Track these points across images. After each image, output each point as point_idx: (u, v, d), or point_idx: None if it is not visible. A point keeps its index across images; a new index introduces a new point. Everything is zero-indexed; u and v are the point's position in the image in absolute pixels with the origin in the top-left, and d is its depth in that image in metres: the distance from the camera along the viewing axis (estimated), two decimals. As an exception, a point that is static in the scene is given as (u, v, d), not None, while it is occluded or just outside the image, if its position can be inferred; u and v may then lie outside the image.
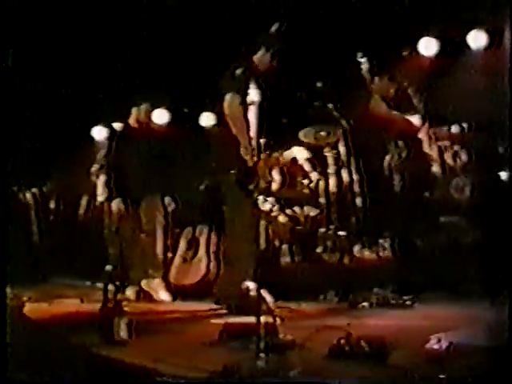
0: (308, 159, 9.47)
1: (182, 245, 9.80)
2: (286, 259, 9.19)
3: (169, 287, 9.53)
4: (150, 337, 6.81)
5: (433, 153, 9.32)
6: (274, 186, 9.42)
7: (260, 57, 8.64)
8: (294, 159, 9.50)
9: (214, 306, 8.34)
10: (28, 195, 11.01)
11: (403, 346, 5.93)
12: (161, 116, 10.19)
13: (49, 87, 9.52)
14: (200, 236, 9.72)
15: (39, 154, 9.86)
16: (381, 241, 9.02)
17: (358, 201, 9.40)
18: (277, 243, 9.25)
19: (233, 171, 8.91)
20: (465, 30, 8.87)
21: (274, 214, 9.26)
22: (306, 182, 9.46)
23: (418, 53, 9.15)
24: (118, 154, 10.30)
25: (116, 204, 10.17)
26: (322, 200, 9.45)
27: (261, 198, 8.81)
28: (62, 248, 10.52)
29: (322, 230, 9.31)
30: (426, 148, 9.34)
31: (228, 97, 8.72)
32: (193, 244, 9.75)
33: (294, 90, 9.13)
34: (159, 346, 6.42)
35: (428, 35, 9.05)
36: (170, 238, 9.88)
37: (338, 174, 9.49)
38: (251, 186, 8.11)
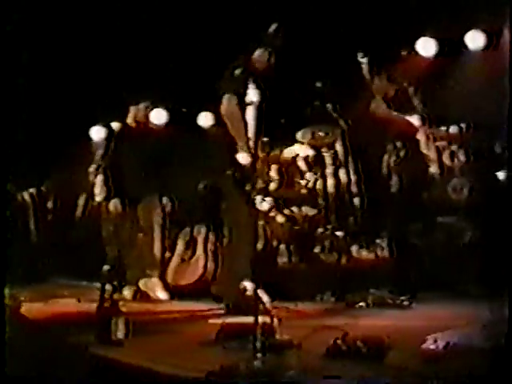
0: (307, 158, 9.47)
1: (180, 245, 9.80)
2: (283, 259, 9.20)
3: (166, 286, 9.54)
4: (146, 337, 6.80)
5: (431, 153, 9.32)
6: (272, 186, 9.42)
7: (258, 56, 8.65)
8: (295, 157, 9.50)
9: (212, 306, 8.34)
10: (26, 195, 11.01)
11: (400, 345, 5.93)
12: (159, 116, 10.18)
13: (47, 87, 9.52)
14: (198, 236, 9.72)
15: (37, 154, 9.85)
16: (378, 241, 9.02)
17: (356, 201, 9.40)
18: (274, 243, 9.26)
19: (228, 171, 8.93)
20: (463, 31, 8.87)
21: (271, 214, 9.27)
22: (303, 182, 9.46)
23: (416, 53, 9.15)
24: (115, 153, 10.30)
25: (113, 204, 10.18)
26: (319, 200, 9.45)
27: (258, 197, 8.82)
28: (60, 248, 10.51)
29: (320, 230, 9.31)
30: (423, 148, 9.34)
31: (225, 98, 8.74)
32: (191, 244, 9.75)
33: (293, 90, 9.13)
34: (156, 346, 6.42)
35: (426, 35, 9.06)
36: (167, 238, 9.88)
37: (335, 175, 9.49)
38: (248, 187, 8.13)
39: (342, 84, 9.20)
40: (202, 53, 8.94)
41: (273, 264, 9.07)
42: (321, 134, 9.49)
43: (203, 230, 9.67)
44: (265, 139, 8.90)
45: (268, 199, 9.26)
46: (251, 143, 8.83)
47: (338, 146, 9.50)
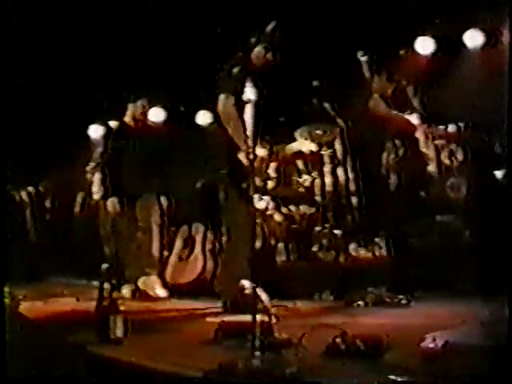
0: (306, 157, 9.47)
1: (178, 243, 9.80)
2: (281, 258, 9.20)
3: (165, 284, 9.54)
4: (145, 335, 6.80)
5: (429, 152, 9.32)
6: (270, 185, 9.42)
7: (256, 54, 8.64)
8: (293, 155, 9.49)
9: (210, 305, 8.33)
10: (24, 194, 10.99)
11: (399, 344, 5.94)
12: (157, 114, 10.17)
13: (45, 86, 9.50)
14: (196, 234, 9.72)
15: (35, 153, 9.83)
16: (376, 240, 9.03)
17: (354, 200, 9.40)
18: (273, 242, 9.26)
19: (223, 170, 8.93)
20: (461, 30, 8.87)
21: (269, 212, 9.27)
22: (301, 180, 9.46)
23: (415, 52, 9.15)
24: (114, 152, 10.29)
25: (111, 203, 10.17)
26: (317, 198, 9.46)
27: (256, 196, 8.81)
28: (58, 247, 10.50)
29: (318, 228, 9.31)
30: (422, 147, 9.35)
31: (222, 97, 8.73)
32: (189, 242, 9.75)
33: (291, 88, 9.12)
34: (155, 345, 6.42)
35: (425, 34, 9.06)
36: (165, 237, 9.88)
37: (333, 173, 9.49)
38: (244, 185, 8.11)
39: (340, 82, 9.20)
40: (201, 51, 8.93)
41: (271, 262, 9.07)
42: (319, 132, 9.49)
43: (201, 228, 9.67)
44: (263, 137, 8.89)
45: (266, 198, 9.26)
46: (249, 142, 8.82)
47: (337, 145, 9.50)
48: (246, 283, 7.70)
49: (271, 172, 9.45)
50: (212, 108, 9.56)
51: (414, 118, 9.30)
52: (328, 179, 9.48)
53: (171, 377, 5.63)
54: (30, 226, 10.98)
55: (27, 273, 9.47)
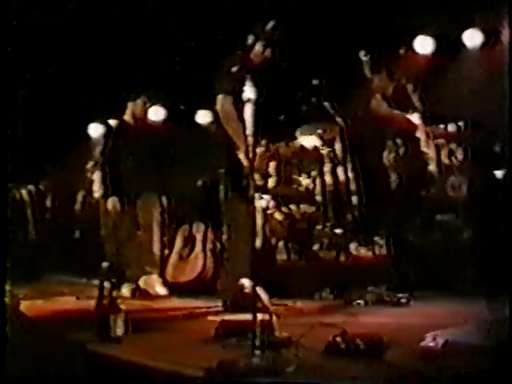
0: (306, 155, 9.48)
1: (179, 242, 9.81)
2: (282, 256, 9.21)
3: (165, 282, 9.55)
4: (145, 334, 6.81)
5: (430, 151, 9.33)
6: (271, 184, 9.43)
7: (255, 53, 8.64)
8: (295, 153, 9.49)
9: (211, 303, 8.34)
10: (24, 192, 11.00)
11: (399, 343, 5.94)
12: (157, 113, 10.18)
13: (45, 84, 9.51)
14: (197, 233, 9.73)
15: (35, 151, 9.84)
16: (377, 238, 9.04)
17: (354, 198, 9.41)
18: (273, 240, 9.26)
19: (221, 169, 8.94)
20: (461, 29, 8.88)
21: (270, 211, 9.27)
22: (302, 179, 9.46)
23: (414, 51, 9.16)
24: (114, 150, 10.30)
25: (111, 202, 10.17)
26: (318, 197, 9.46)
27: (257, 195, 8.82)
28: (58, 245, 10.51)
29: (319, 227, 9.32)
30: (423, 146, 9.35)
31: (220, 97, 8.74)
32: (189, 241, 9.76)
33: (291, 87, 9.12)
34: (155, 343, 6.42)
35: (424, 34, 9.06)
36: (166, 235, 9.89)
37: (334, 172, 9.50)
38: (244, 183, 8.11)
39: (339, 81, 9.21)
40: (200, 50, 8.94)
41: (271, 261, 9.07)
42: (319, 131, 9.49)
43: (202, 227, 9.68)
44: (265, 136, 8.91)
45: (266, 197, 9.26)
46: (249, 140, 8.82)
47: (337, 144, 9.51)
48: (246, 282, 7.71)
49: (271, 171, 9.46)
50: (212, 107, 9.56)
51: (415, 118, 9.30)
52: (328, 178, 9.49)
53: (171, 375, 5.62)
54: (30, 224, 11.00)
55: (27, 271, 9.49)
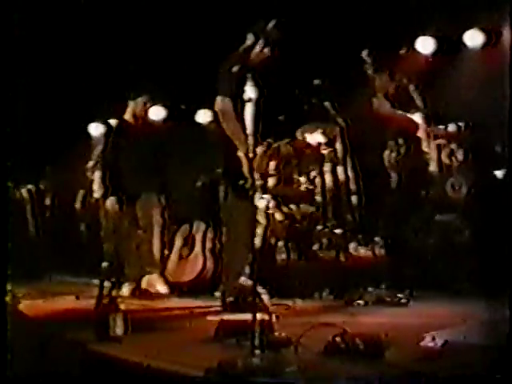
0: (306, 155, 9.48)
1: (178, 242, 9.81)
2: (281, 256, 9.20)
3: (166, 281, 9.56)
4: (145, 333, 6.80)
5: (431, 151, 9.33)
6: (271, 184, 9.43)
7: (256, 52, 8.65)
8: (294, 152, 9.49)
9: (210, 303, 8.34)
10: (24, 192, 11.00)
11: (398, 343, 5.93)
12: (157, 112, 10.18)
13: (45, 84, 9.51)
14: (196, 233, 9.73)
15: (35, 151, 9.84)
16: (376, 239, 9.04)
17: (354, 198, 9.41)
18: (273, 240, 9.26)
19: (219, 169, 8.94)
20: (462, 29, 8.88)
21: (270, 211, 9.27)
22: (302, 179, 9.46)
23: (415, 51, 9.16)
24: (114, 150, 10.29)
25: (110, 202, 10.16)
26: (318, 198, 9.46)
27: (257, 195, 8.82)
28: (58, 245, 10.51)
29: (319, 227, 9.32)
30: (424, 146, 9.35)
31: (218, 99, 8.75)
32: (189, 241, 9.75)
33: (292, 87, 9.13)
34: (154, 343, 6.41)
35: (425, 34, 9.07)
36: (166, 235, 9.89)
37: (334, 172, 9.50)
38: (246, 184, 8.12)
39: (340, 81, 9.20)
40: (201, 49, 8.94)
41: (271, 261, 9.07)
42: (319, 131, 9.49)
43: (202, 226, 9.68)
44: (265, 136, 8.91)
45: (266, 196, 9.26)
46: (249, 140, 8.82)
47: (337, 144, 9.51)
48: (246, 282, 7.71)
49: (271, 171, 9.46)
50: (212, 106, 9.58)
51: (417, 117, 9.30)
52: (328, 178, 9.49)
53: (171, 375, 5.62)
54: (30, 224, 11.00)
55: (27, 271, 9.49)
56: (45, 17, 8.85)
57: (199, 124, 10.04)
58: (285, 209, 9.33)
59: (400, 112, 9.40)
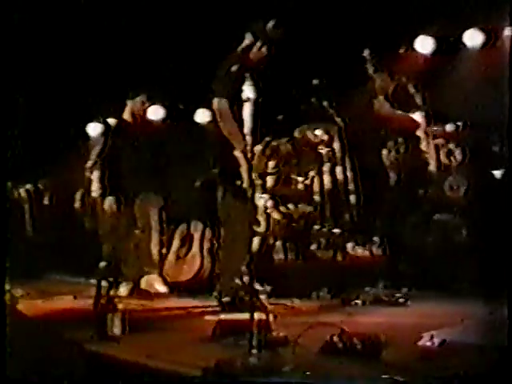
0: (305, 154, 9.48)
1: (176, 241, 9.81)
2: (279, 256, 9.20)
3: (165, 281, 9.56)
4: (143, 333, 6.81)
5: (429, 151, 9.33)
6: (269, 183, 9.42)
7: (255, 52, 8.65)
8: (293, 151, 9.49)
9: (208, 303, 8.33)
10: (22, 191, 10.99)
11: (396, 343, 5.94)
12: (156, 112, 10.18)
13: (43, 84, 9.50)
14: (194, 232, 9.73)
15: (34, 150, 9.83)
16: (374, 238, 9.04)
17: (352, 198, 9.41)
18: (271, 240, 9.25)
19: (215, 170, 8.94)
20: (461, 29, 8.88)
21: (268, 210, 9.27)
22: (300, 179, 9.46)
23: (414, 51, 9.16)
24: (112, 150, 10.29)
25: (108, 202, 10.15)
26: (316, 197, 9.46)
27: (255, 195, 8.83)
28: (56, 245, 10.49)
29: (316, 227, 9.32)
30: (423, 146, 9.35)
31: (215, 100, 8.75)
32: (186, 240, 9.75)
33: (290, 87, 9.13)
34: (152, 342, 6.42)
35: (425, 34, 9.06)
36: (164, 235, 9.88)
37: (332, 172, 9.50)
38: (238, 183, 8.12)
39: (339, 81, 9.20)
40: (200, 49, 8.93)
41: (269, 261, 9.07)
42: (318, 131, 9.50)
43: (200, 226, 9.68)
44: (264, 135, 8.92)
45: (265, 196, 9.26)
46: (248, 139, 8.84)
47: (336, 143, 9.51)
48: (243, 281, 7.71)
49: (270, 170, 9.46)
50: (210, 106, 9.57)
51: (418, 117, 9.30)
52: (326, 178, 9.48)
53: (169, 374, 5.63)
54: (28, 223, 10.98)
55: (25, 271, 9.48)
56: (44, 17, 8.84)
57: (198, 124, 10.03)
58: (283, 208, 9.33)
59: (400, 112, 9.39)
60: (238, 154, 8.94)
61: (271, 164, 9.46)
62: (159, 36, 9.04)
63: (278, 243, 9.24)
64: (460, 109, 8.84)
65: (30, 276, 9.66)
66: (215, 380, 5.44)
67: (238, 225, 8.22)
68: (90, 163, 10.35)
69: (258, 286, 6.98)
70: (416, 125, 9.33)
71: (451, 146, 9.23)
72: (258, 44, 8.71)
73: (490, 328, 5.70)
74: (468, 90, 8.53)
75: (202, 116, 9.95)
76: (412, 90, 9.36)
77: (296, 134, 9.55)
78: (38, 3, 8.58)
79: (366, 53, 9.31)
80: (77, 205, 10.65)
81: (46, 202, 11.02)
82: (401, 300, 8.23)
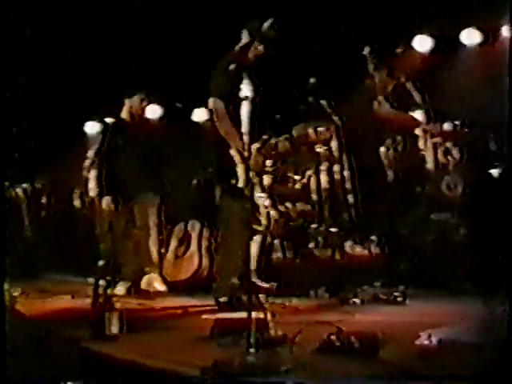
0: (305, 154, 9.48)
1: (174, 240, 9.81)
2: (277, 255, 9.21)
3: (164, 280, 9.56)
4: (141, 332, 6.80)
5: (427, 150, 9.33)
6: (266, 182, 9.42)
7: (253, 51, 8.65)
8: (292, 150, 9.49)
9: (206, 302, 8.33)
10: (19, 191, 10.98)
11: (394, 341, 5.94)
12: (153, 111, 10.17)
13: (41, 83, 9.49)
14: (192, 231, 9.73)
15: (31, 149, 9.82)
16: (372, 237, 9.04)
17: (350, 197, 9.41)
18: (268, 239, 9.25)
19: (211, 169, 8.94)
20: (459, 28, 8.88)
21: (266, 209, 9.27)
22: (298, 177, 9.47)
23: (413, 49, 9.17)
24: (110, 149, 10.28)
25: (106, 201, 10.15)
26: (314, 196, 9.46)
27: (253, 193, 8.82)
28: (54, 244, 10.49)
29: (314, 226, 9.32)
30: (421, 144, 9.36)
31: (211, 100, 8.75)
32: (184, 239, 9.75)
33: (288, 86, 9.12)
34: (150, 342, 6.41)
35: (423, 32, 9.07)
36: (162, 234, 9.88)
37: (329, 171, 9.50)
38: (233, 182, 8.12)
39: (336, 80, 9.20)
40: (198, 48, 8.93)
41: (267, 259, 9.07)
42: (316, 129, 9.50)
43: (197, 225, 9.68)
44: (261, 134, 8.92)
45: (262, 195, 9.26)
46: (245, 139, 8.83)
47: (333, 142, 9.51)
48: (241, 280, 7.71)
49: (267, 169, 9.46)
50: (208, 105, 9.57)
51: (418, 115, 9.30)
52: (324, 177, 9.48)
53: (167, 374, 5.62)
54: (25, 223, 10.98)
55: (23, 270, 9.47)
56: (43, 17, 8.84)
57: (195, 123, 10.03)
58: (281, 207, 9.33)
59: (399, 112, 9.40)
60: (234, 152, 8.94)
61: (268, 162, 9.46)
62: (157, 35, 9.03)
63: (276, 242, 9.24)
64: (458, 107, 8.85)
65: (28, 275, 9.65)
66: (213, 379, 5.43)
67: (235, 224, 8.21)
68: (87, 162, 10.35)
69: (255, 285, 6.98)
70: (415, 123, 9.33)
71: (449, 144, 9.23)
72: (256, 43, 8.70)
73: (488, 327, 5.69)
74: (466, 89, 8.54)
75: (199, 115, 9.95)
76: (411, 88, 9.37)
77: (293, 132, 9.54)
78: (37, 3, 8.58)
79: (366, 51, 9.32)
80: (74, 204, 10.65)
81: (43, 201, 11.01)
82: (399, 299, 8.23)
